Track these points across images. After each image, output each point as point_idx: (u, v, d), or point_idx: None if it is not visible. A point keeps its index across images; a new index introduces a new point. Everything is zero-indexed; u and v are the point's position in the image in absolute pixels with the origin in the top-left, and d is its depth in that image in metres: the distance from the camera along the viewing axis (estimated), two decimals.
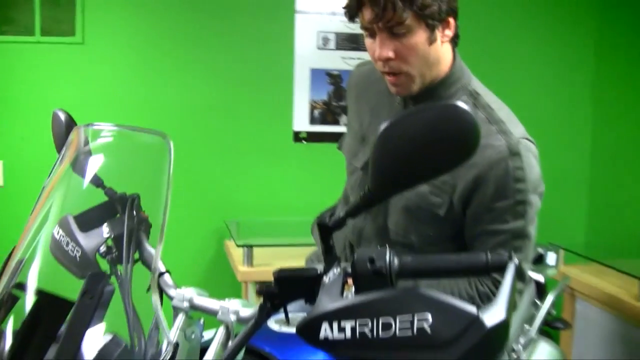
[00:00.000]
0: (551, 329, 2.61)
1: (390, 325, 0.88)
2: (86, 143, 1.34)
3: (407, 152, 0.98)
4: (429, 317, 0.86)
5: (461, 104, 0.96)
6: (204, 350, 1.29)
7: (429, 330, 0.86)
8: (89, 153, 1.33)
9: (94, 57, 3.68)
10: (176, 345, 1.24)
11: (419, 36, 1.59)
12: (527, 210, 1.63)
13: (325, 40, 3.90)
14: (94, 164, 1.33)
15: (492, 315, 0.85)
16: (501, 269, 0.97)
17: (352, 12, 1.64)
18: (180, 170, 3.85)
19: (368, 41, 1.66)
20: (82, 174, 1.33)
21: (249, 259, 3.17)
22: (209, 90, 3.81)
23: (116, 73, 3.72)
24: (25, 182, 3.52)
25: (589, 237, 4.23)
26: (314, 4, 3.89)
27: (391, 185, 1.02)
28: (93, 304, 1.03)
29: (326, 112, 3.90)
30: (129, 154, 1.37)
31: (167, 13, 3.74)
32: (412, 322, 0.87)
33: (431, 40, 1.62)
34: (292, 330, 1.48)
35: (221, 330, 1.26)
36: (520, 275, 1.65)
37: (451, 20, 1.65)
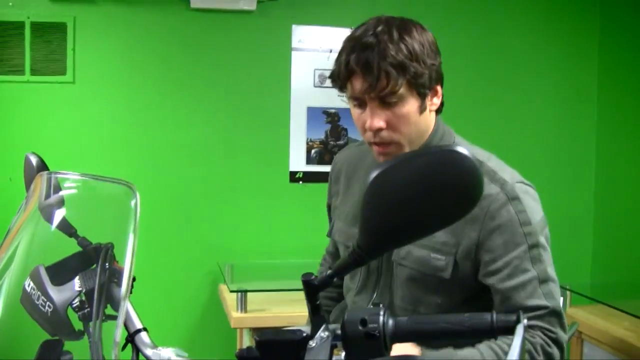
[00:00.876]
0: None
1: None
2: (56, 190, 1.25)
3: (401, 202, 0.88)
4: None
5: (460, 149, 0.86)
6: None
7: None
8: (61, 202, 1.24)
9: (85, 96, 3.63)
10: None
11: (411, 105, 1.56)
12: (541, 253, 1.56)
13: (322, 78, 3.84)
14: (63, 213, 1.24)
15: None
16: (508, 330, 0.87)
17: (341, 82, 1.60)
18: (174, 211, 3.80)
19: (356, 112, 1.61)
20: (50, 221, 1.23)
21: (243, 305, 3.06)
22: (204, 129, 3.76)
23: (108, 113, 3.66)
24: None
25: (595, 277, 4.17)
26: (310, 42, 3.85)
27: (383, 241, 0.92)
28: None
29: (323, 152, 3.83)
30: (99, 203, 1.28)
31: (160, 52, 3.70)
32: None
33: (422, 109, 1.59)
34: None
35: None
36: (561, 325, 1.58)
37: (439, 88, 1.63)
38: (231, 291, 3.14)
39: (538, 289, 1.55)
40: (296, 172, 3.83)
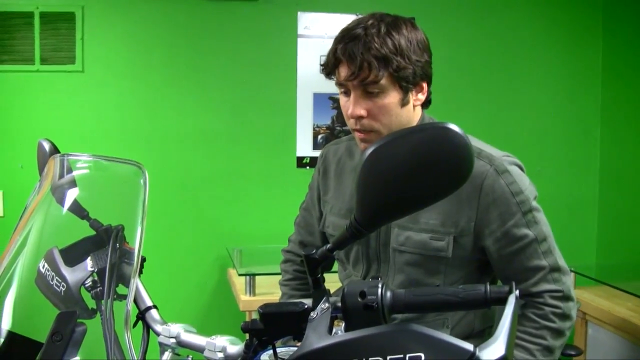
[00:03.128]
0: (563, 356, 2.54)
1: None
2: (69, 172, 1.29)
3: (396, 177, 0.91)
4: (422, 357, 0.80)
5: (453, 126, 0.90)
6: None
7: None
8: (73, 183, 1.28)
9: (94, 84, 3.66)
10: None
11: (392, 97, 1.62)
12: (535, 215, 1.66)
13: None
14: (75, 194, 1.28)
15: (491, 352, 0.78)
16: (501, 301, 0.91)
17: (329, 69, 1.67)
18: (182, 198, 3.84)
19: (343, 99, 1.69)
20: (62, 203, 1.27)
21: (251, 288, 3.11)
22: (211, 116, 3.79)
23: (117, 101, 3.70)
24: None
25: (600, 259, 4.18)
26: (316, 28, 3.86)
27: (378, 215, 0.96)
28: (62, 346, 0.97)
29: (330, 137, 3.86)
30: (110, 184, 1.31)
31: (167, 40, 3.73)
32: None
33: (404, 102, 1.65)
34: None
35: None
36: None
37: (425, 85, 1.69)
38: (240, 275, 3.18)
39: (538, 249, 1.64)
40: (303, 158, 3.87)
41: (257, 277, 3.14)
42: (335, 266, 1.99)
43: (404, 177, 0.91)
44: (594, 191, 4.18)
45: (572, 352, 2.68)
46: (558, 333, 1.65)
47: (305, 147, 3.87)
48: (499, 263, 1.67)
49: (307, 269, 1.03)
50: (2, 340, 1.03)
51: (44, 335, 1.00)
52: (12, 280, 1.17)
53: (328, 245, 1.01)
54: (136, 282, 1.34)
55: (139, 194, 1.13)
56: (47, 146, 1.44)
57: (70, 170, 1.29)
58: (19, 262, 1.22)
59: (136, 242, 1.09)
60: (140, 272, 1.39)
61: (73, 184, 1.29)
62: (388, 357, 0.82)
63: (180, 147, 3.75)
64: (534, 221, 1.65)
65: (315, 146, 3.86)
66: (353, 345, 0.84)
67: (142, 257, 1.38)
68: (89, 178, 1.30)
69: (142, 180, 1.13)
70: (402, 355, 0.81)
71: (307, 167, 3.84)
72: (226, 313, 3.71)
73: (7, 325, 1.05)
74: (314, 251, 1.01)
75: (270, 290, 3.11)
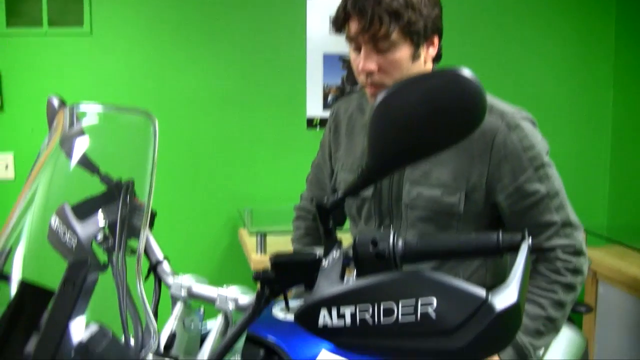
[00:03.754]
0: (573, 313, 2.54)
1: (393, 311, 0.81)
2: (78, 123, 1.28)
3: (407, 123, 0.90)
4: (434, 301, 0.79)
5: (465, 70, 0.89)
6: (204, 341, 1.24)
7: (433, 315, 0.79)
8: (81, 132, 1.27)
9: (102, 47, 3.64)
10: (173, 336, 1.20)
11: (403, 52, 1.62)
12: (547, 170, 1.66)
13: None
14: (85, 147, 1.27)
15: (503, 299, 0.78)
16: (513, 249, 0.91)
17: (339, 24, 1.66)
18: (192, 160, 3.84)
19: (353, 55, 1.68)
20: (72, 158, 1.27)
21: (262, 247, 3.13)
22: (220, 78, 3.77)
23: (125, 64, 3.68)
24: None
25: (611, 219, 4.17)
26: None
27: (389, 162, 0.95)
28: (75, 293, 0.97)
29: (340, 97, 3.82)
30: (120, 135, 1.31)
31: (176, 2, 3.69)
32: (415, 307, 0.80)
33: (415, 57, 1.64)
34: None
35: (220, 319, 1.21)
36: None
37: (436, 39, 1.68)
38: (251, 233, 3.19)
39: (550, 204, 1.64)
40: (313, 119, 3.86)
41: (268, 236, 3.15)
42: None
43: (415, 123, 0.90)
44: (606, 150, 4.16)
45: (583, 309, 2.68)
46: (569, 288, 1.65)
47: (315, 108, 3.85)
48: (511, 219, 1.67)
49: (318, 218, 1.03)
50: (15, 291, 1.03)
51: (56, 285, 1.00)
52: (22, 234, 1.17)
53: (339, 193, 1.00)
54: (147, 235, 1.34)
55: (149, 144, 1.12)
56: (56, 102, 1.44)
57: (80, 123, 1.29)
58: (30, 217, 1.22)
59: (146, 188, 1.08)
60: (151, 225, 1.40)
61: (82, 134, 1.28)
62: (400, 302, 0.81)
63: (190, 110, 3.74)
64: (546, 176, 1.65)
65: (326, 107, 3.83)
66: (365, 291, 0.84)
67: (152, 211, 1.38)
68: (99, 129, 1.29)
69: (152, 130, 1.12)
70: (414, 300, 0.80)
71: (317, 128, 3.82)
72: (238, 273, 3.73)
73: (19, 275, 1.06)
74: (325, 200, 1.01)
75: (281, 248, 3.08)
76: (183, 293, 1.25)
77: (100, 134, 1.30)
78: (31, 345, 0.96)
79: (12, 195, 3.64)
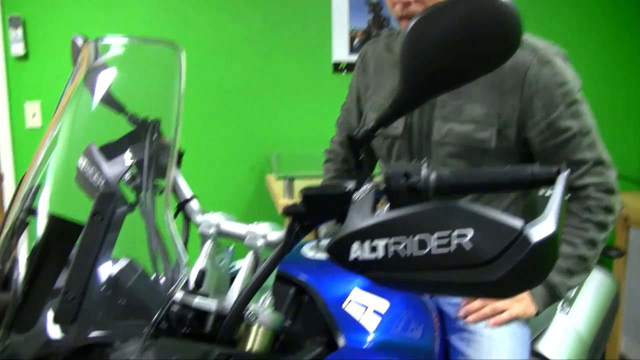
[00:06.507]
0: (604, 257, 2.52)
1: (426, 243, 0.79)
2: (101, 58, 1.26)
3: (441, 48, 0.87)
4: (469, 233, 0.77)
5: None
6: (234, 279, 1.23)
7: (468, 247, 0.77)
8: (105, 67, 1.25)
9: None
10: (203, 273, 1.19)
11: None
12: (579, 107, 1.62)
13: None
14: (109, 82, 1.25)
15: (540, 230, 0.75)
16: (548, 182, 0.88)
17: None
18: (218, 106, 3.82)
19: None
20: (97, 96, 1.25)
21: (290, 191, 3.12)
22: (246, 23, 3.72)
23: (149, 10, 3.65)
24: None
25: None
26: None
27: (421, 89, 0.92)
28: (104, 226, 0.95)
29: (366, 41, 3.75)
30: (145, 69, 1.28)
31: None
32: (450, 239, 0.78)
33: None
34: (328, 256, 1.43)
35: (249, 256, 1.20)
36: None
37: None
38: (278, 179, 3.18)
39: (582, 142, 1.61)
40: (339, 63, 3.81)
41: (295, 181, 3.14)
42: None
43: (449, 49, 0.87)
44: (637, 92, 4.08)
45: (614, 254, 2.65)
46: (602, 226, 1.62)
47: (341, 52, 3.80)
48: (542, 156, 1.64)
49: (349, 151, 1.01)
50: (44, 226, 1.02)
51: (83, 222, 0.99)
52: (48, 173, 1.16)
53: (370, 125, 0.98)
54: (175, 171, 1.33)
55: (175, 79, 1.10)
56: (80, 41, 1.42)
57: (102, 56, 1.26)
58: (56, 156, 1.21)
59: (174, 120, 1.06)
60: (179, 164, 1.38)
61: (107, 69, 1.26)
62: (435, 234, 0.79)
63: (215, 56, 3.71)
64: (578, 113, 1.61)
65: (352, 51, 3.78)
66: (399, 223, 0.82)
67: (179, 150, 1.37)
68: (124, 62, 1.26)
69: (178, 61, 1.10)
70: (449, 232, 0.78)
71: (344, 72, 3.78)
72: (265, 219, 3.70)
73: (46, 210, 1.05)
74: (356, 132, 0.98)
75: None
76: (212, 230, 1.24)
77: (125, 68, 1.27)
78: (61, 280, 0.96)
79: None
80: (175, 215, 1.31)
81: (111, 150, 1.31)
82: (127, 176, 1.33)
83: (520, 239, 0.75)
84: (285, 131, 3.82)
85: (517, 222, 0.76)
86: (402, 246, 0.81)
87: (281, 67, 3.78)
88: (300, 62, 3.79)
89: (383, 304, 1.30)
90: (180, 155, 1.40)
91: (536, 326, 1.86)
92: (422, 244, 0.79)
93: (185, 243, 1.28)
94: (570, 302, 2.12)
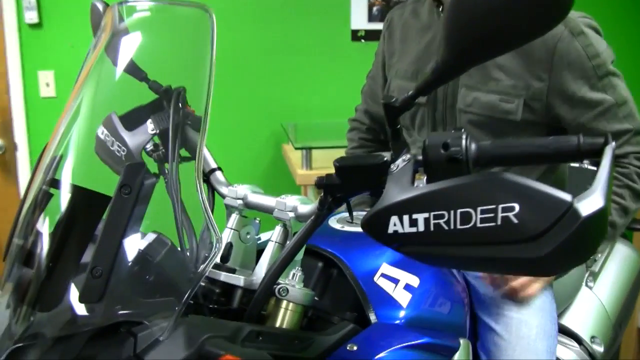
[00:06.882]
0: (628, 230, 2.47)
1: (470, 217, 0.76)
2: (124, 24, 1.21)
3: (488, 11, 0.81)
4: (516, 206, 0.73)
5: None
6: (260, 252, 1.20)
7: (515, 220, 0.73)
8: (126, 31, 1.20)
9: None
10: (229, 246, 1.15)
11: None
12: (611, 80, 1.57)
13: None
14: (133, 49, 1.20)
15: (589, 203, 0.71)
16: (594, 153, 0.83)
17: None
18: (234, 74, 3.75)
19: None
20: (118, 64, 1.20)
21: (308, 162, 3.07)
22: None
23: None
24: None
25: None
26: None
27: (464, 55, 0.86)
28: (132, 198, 0.91)
29: (385, 9, 3.70)
30: (171, 35, 1.23)
31: None
32: (495, 213, 0.74)
33: None
34: (356, 229, 1.39)
35: (278, 229, 1.16)
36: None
37: None
38: (296, 149, 3.14)
39: (618, 113, 1.56)
40: (358, 30, 3.73)
41: (313, 151, 3.09)
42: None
43: (495, 12, 0.81)
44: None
45: (638, 227, 2.61)
46: (638, 195, 1.58)
47: (360, 20, 3.72)
48: (578, 131, 1.58)
49: (386, 119, 0.96)
50: (68, 199, 0.98)
51: (110, 192, 0.95)
52: (70, 145, 1.12)
53: (410, 92, 0.93)
54: (200, 134, 1.29)
55: (202, 44, 1.05)
56: (101, 6, 1.37)
57: (125, 22, 1.21)
58: (78, 126, 1.17)
59: (205, 88, 1.02)
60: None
61: (130, 34, 1.21)
62: (478, 209, 0.75)
63: (230, 22, 3.64)
64: (611, 85, 1.56)
65: (371, 18, 3.71)
66: (440, 196, 0.78)
67: (198, 118, 1.33)
68: (148, 27, 1.22)
69: (209, 25, 1.05)
70: (494, 206, 0.75)
71: (362, 41, 3.71)
72: (282, 189, 3.68)
73: (70, 180, 1.01)
74: (394, 99, 0.94)
75: (327, 164, 3.04)
76: (239, 203, 1.21)
77: (150, 33, 1.22)
78: (87, 256, 0.92)
79: (55, 112, 3.62)
80: None
81: (132, 120, 1.28)
82: (149, 146, 1.30)
83: (569, 213, 0.71)
84: (302, 100, 3.76)
85: (566, 196, 0.72)
86: (444, 220, 0.78)
87: (298, 34, 3.71)
88: (318, 30, 3.72)
89: (414, 279, 1.26)
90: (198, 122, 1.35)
91: (561, 301, 1.83)
92: (466, 218, 0.76)
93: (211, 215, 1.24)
94: (595, 276, 2.09)
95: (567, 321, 1.90)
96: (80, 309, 0.91)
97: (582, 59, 1.53)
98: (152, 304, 0.95)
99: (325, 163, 3.09)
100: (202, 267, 0.93)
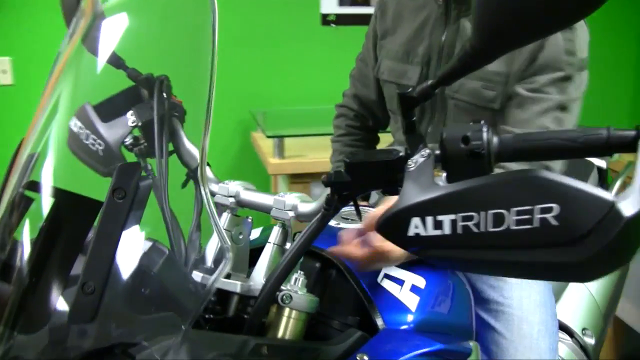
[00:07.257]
0: None
1: (503, 218, 0.69)
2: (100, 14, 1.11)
3: None
4: (556, 207, 0.67)
5: None
6: (252, 252, 1.12)
7: (554, 222, 0.67)
8: (102, 16, 1.10)
9: None
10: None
11: None
12: (568, 86, 1.48)
13: None
14: (109, 37, 1.10)
15: (631, 203, 0.65)
16: (625, 147, 0.77)
17: None
18: None
19: None
20: (95, 49, 1.10)
21: (280, 151, 2.99)
22: None
23: None
24: (37, 79, 3.32)
25: (634, 120, 4.08)
26: None
27: (496, 39, 0.78)
28: (127, 203, 0.81)
29: None
30: (151, 20, 1.14)
31: None
32: (531, 214, 0.68)
33: None
34: (353, 226, 1.31)
35: (277, 230, 1.09)
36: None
37: None
38: (268, 137, 3.05)
39: (552, 111, 1.46)
40: (328, 15, 3.64)
41: (285, 139, 3.01)
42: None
43: None
44: (631, 48, 4.04)
45: None
46: None
47: (330, 4, 3.61)
48: (514, 102, 1.53)
49: (400, 110, 0.88)
50: (50, 204, 0.88)
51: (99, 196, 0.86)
52: (49, 142, 1.02)
53: (430, 81, 0.86)
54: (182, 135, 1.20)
55: (191, 30, 0.97)
56: None
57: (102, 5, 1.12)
58: (57, 121, 1.07)
59: (208, 77, 0.92)
60: (182, 123, 1.26)
61: (109, 17, 1.11)
62: (512, 210, 0.69)
63: None
64: (567, 91, 1.49)
65: (342, 2, 3.60)
66: (468, 196, 0.71)
67: (183, 109, 1.25)
68: (133, 10, 1.12)
69: (211, 7, 0.96)
70: (530, 207, 0.68)
71: (333, 25, 3.62)
72: (253, 178, 3.60)
73: (51, 185, 0.91)
74: (411, 89, 0.86)
75: (300, 152, 2.98)
76: (231, 201, 1.13)
77: (132, 18, 1.12)
78: (76, 269, 0.82)
79: (12, 100, 3.48)
80: (185, 184, 1.18)
81: (107, 110, 1.19)
82: (129, 139, 1.21)
83: (612, 214, 0.65)
84: (270, 87, 3.67)
85: (607, 195, 0.66)
86: (473, 222, 0.71)
87: (266, 19, 3.61)
88: (287, 14, 3.61)
89: (419, 280, 1.19)
90: (183, 114, 1.27)
91: (554, 293, 1.80)
92: (499, 220, 0.69)
93: (199, 215, 1.15)
94: None
95: (558, 314, 1.88)
96: (70, 331, 0.82)
97: (559, 48, 1.47)
98: (150, 321, 0.86)
99: (297, 151, 3.00)
100: (211, 280, 0.83)
